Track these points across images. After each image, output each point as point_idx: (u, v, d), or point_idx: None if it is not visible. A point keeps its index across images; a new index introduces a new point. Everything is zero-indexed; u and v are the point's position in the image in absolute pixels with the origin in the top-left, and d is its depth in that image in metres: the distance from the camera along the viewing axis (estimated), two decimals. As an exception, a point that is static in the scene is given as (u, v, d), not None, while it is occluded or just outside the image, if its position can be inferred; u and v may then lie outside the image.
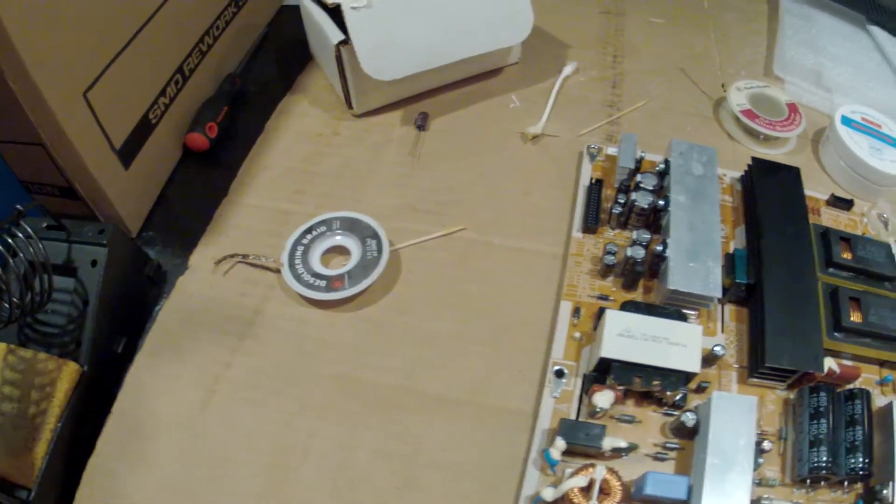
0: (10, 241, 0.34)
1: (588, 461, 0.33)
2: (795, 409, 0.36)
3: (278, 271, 0.41)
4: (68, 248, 0.40)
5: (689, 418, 0.34)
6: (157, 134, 0.47)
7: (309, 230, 0.42)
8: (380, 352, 0.39)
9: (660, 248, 0.40)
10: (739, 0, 0.64)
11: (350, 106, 0.50)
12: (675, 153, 0.44)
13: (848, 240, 0.41)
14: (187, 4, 0.48)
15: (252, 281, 0.42)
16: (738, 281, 0.40)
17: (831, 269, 0.41)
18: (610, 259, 0.41)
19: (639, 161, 0.45)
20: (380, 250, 0.41)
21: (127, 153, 0.45)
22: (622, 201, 0.43)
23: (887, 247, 0.42)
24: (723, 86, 0.55)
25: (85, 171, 0.42)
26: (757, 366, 0.37)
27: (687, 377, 0.35)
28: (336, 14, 0.47)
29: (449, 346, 0.39)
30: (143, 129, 0.46)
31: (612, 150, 0.47)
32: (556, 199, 0.46)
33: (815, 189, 0.46)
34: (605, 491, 0.31)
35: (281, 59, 0.58)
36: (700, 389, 0.36)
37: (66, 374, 0.36)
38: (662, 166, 0.44)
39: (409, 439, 0.36)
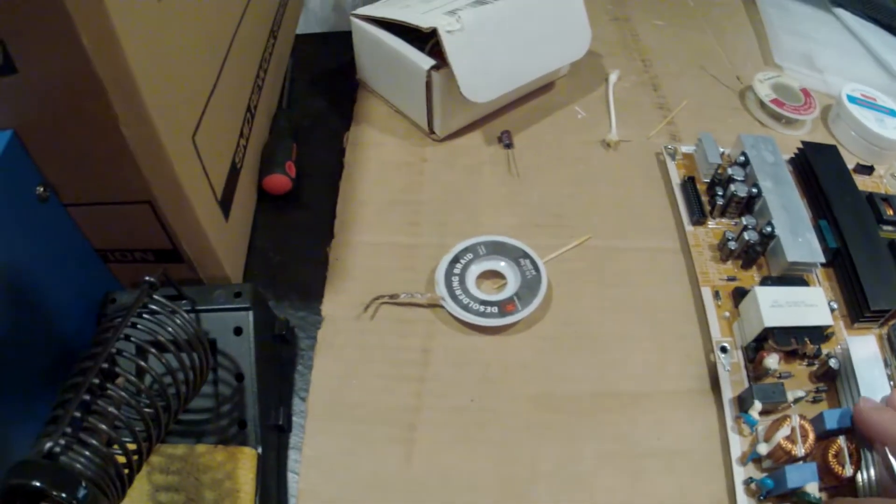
0: (151, 321, 0.32)
1: (778, 415, 0.39)
2: (892, 341, 0.44)
3: (438, 306, 0.42)
4: (196, 318, 0.37)
5: (834, 363, 0.41)
6: (242, 179, 0.47)
7: (455, 259, 0.44)
8: (563, 364, 0.42)
9: (768, 228, 0.46)
10: (716, -4, 0.73)
11: (432, 131, 0.52)
12: (747, 146, 0.51)
13: (886, 199, 0.51)
14: (249, 37, 0.48)
15: (405, 320, 0.43)
16: (830, 247, 0.47)
17: (882, 226, 0.50)
18: (733, 244, 0.46)
19: (721, 155, 0.51)
20: (537, 269, 0.44)
21: (226, 203, 0.44)
22: (721, 193, 0.49)
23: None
24: (738, 78, 0.63)
25: (196, 228, 0.40)
26: (861, 312, 0.45)
27: (823, 330, 0.42)
28: (415, 42, 0.49)
29: (620, 346, 0.43)
30: (233, 175, 0.45)
31: (685, 149, 0.53)
32: (652, 197, 0.51)
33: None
34: (802, 434, 0.37)
35: (320, 89, 0.58)
36: (826, 338, 0.43)
37: (245, 463, 0.34)
38: (742, 158, 0.50)
39: (621, 437, 0.39)
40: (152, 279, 0.33)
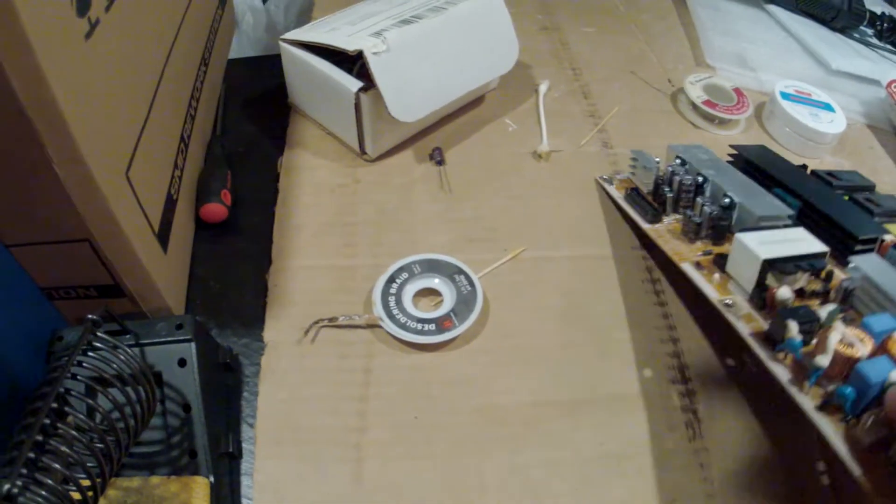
0: (95, 357, 0.35)
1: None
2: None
3: (376, 326, 0.47)
4: (140, 352, 0.41)
5: (849, 283, 0.42)
6: (179, 210, 0.50)
7: (391, 279, 0.49)
8: (503, 376, 0.46)
9: (726, 200, 0.50)
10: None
11: (363, 151, 0.57)
12: (679, 152, 0.55)
13: (830, 173, 0.55)
14: (179, 67, 0.52)
15: (345, 342, 0.47)
16: (793, 206, 0.50)
17: (835, 191, 0.54)
18: (697, 218, 0.50)
19: (657, 162, 0.56)
20: (472, 284, 0.48)
21: (164, 235, 0.48)
22: (668, 188, 0.53)
23: (855, 172, 0.57)
24: (669, 80, 0.69)
25: (135, 263, 0.44)
26: (849, 247, 0.47)
27: (822, 256, 0.44)
28: (343, 63, 0.53)
29: (558, 355, 0.48)
30: (170, 207, 0.49)
31: (620, 176, 0.58)
32: (584, 206, 0.56)
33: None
34: (856, 337, 0.37)
35: (252, 114, 0.62)
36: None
37: (198, 492, 0.37)
38: (678, 160, 0.55)
39: (565, 444, 0.44)
40: (94, 317, 0.37)
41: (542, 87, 0.65)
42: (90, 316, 0.37)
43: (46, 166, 0.35)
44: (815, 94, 0.67)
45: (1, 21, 0.29)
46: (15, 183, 0.36)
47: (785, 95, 0.65)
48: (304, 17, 0.77)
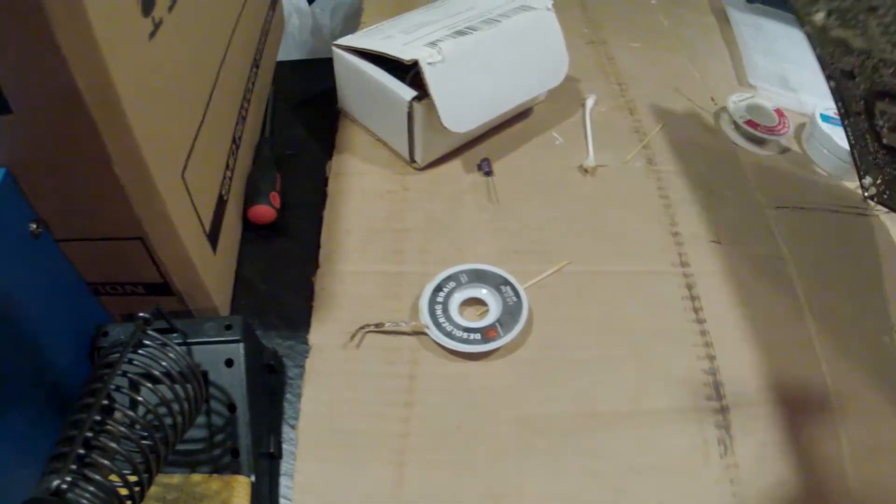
0: (145, 356, 0.35)
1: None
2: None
3: (423, 334, 0.46)
4: (188, 351, 0.40)
5: None
6: (229, 210, 0.50)
7: (438, 288, 0.48)
8: (546, 387, 0.45)
9: None
10: (691, 15, 0.77)
11: (413, 160, 0.56)
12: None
13: None
14: (233, 68, 0.51)
15: (391, 348, 0.46)
16: None
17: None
18: None
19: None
20: (517, 295, 0.47)
21: (214, 235, 0.47)
22: None
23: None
24: (712, 99, 0.67)
25: (186, 262, 0.43)
26: None
27: None
28: (395, 71, 0.52)
29: (600, 368, 0.47)
30: (220, 208, 0.48)
31: None
32: (629, 221, 0.55)
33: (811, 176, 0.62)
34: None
35: (301, 118, 0.62)
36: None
37: (239, 491, 0.37)
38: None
39: (605, 454, 0.43)
40: (146, 315, 0.36)
41: (589, 102, 0.64)
42: (142, 314, 0.36)
43: (105, 165, 0.34)
44: (856, 118, 0.65)
45: (69, 18, 0.28)
46: (72, 180, 0.36)
47: (825, 118, 0.64)
48: (350, 21, 0.77)
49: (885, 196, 0.55)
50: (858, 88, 0.48)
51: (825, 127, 0.63)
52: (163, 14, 0.37)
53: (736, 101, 0.65)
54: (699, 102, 0.67)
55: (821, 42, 0.47)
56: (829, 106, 0.65)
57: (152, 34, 0.36)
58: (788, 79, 0.70)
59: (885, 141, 0.49)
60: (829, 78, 0.49)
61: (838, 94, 0.50)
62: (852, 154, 0.55)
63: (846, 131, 0.54)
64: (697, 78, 0.70)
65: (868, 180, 0.55)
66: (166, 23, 0.37)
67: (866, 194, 0.57)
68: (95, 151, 0.34)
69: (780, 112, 0.65)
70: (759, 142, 0.64)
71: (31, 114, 0.32)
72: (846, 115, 0.51)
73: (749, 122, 0.63)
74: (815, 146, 0.64)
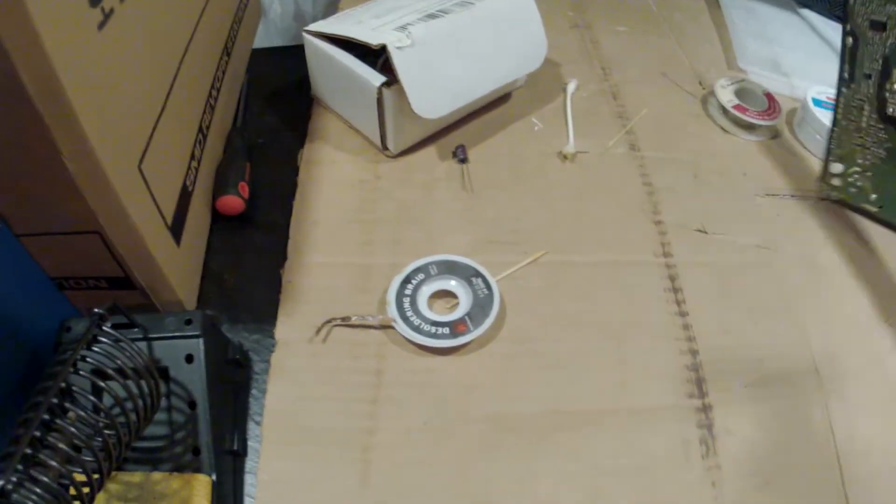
0: (99, 352, 0.34)
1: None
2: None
3: (389, 327, 0.45)
4: (148, 346, 0.39)
5: None
6: (194, 202, 0.49)
7: (407, 280, 0.47)
8: (518, 383, 0.45)
9: None
10: (680, -1, 0.76)
11: (385, 147, 0.55)
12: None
13: None
14: (199, 57, 0.51)
15: (358, 342, 0.46)
16: None
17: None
18: None
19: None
20: (489, 288, 0.46)
21: (177, 228, 0.46)
22: None
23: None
24: (700, 83, 0.66)
25: (146, 256, 0.43)
26: None
27: None
28: (368, 56, 0.51)
29: (576, 363, 0.46)
30: (184, 199, 0.48)
31: None
32: (610, 209, 0.54)
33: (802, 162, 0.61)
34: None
35: (275, 105, 0.61)
36: None
37: (199, 490, 0.37)
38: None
39: (578, 456, 0.42)
40: (101, 311, 0.36)
41: (571, 87, 0.63)
42: (96, 310, 0.36)
43: (55, 159, 0.34)
44: (848, 101, 0.64)
45: (8, 10, 0.28)
46: (24, 174, 0.35)
47: (817, 102, 0.63)
48: (332, 7, 0.76)
49: (853, 190, 0.54)
50: (885, 43, 0.47)
51: (817, 111, 0.62)
52: (113, 4, 0.36)
53: (724, 86, 0.64)
54: (686, 87, 0.66)
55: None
56: (821, 90, 0.64)
57: (101, 24, 0.35)
58: (780, 62, 0.69)
59: (890, 110, 0.48)
60: (848, 34, 0.48)
61: (852, 54, 0.49)
62: (830, 135, 0.54)
63: (836, 103, 0.53)
64: (685, 62, 0.69)
65: (838, 167, 0.54)
66: (118, 13, 0.37)
67: (832, 182, 0.55)
68: (44, 145, 0.33)
69: (770, 96, 0.64)
70: (749, 127, 0.63)
71: (-24, 113, 0.32)
72: (849, 80, 0.50)
73: (738, 107, 0.62)
74: (807, 131, 0.63)
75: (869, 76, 0.49)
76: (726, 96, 0.63)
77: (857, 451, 0.42)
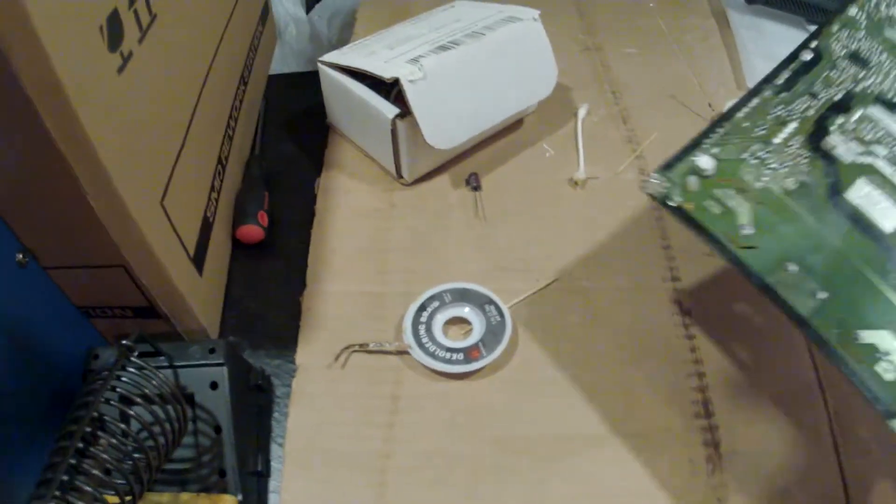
0: (128, 382, 0.37)
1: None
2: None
3: (405, 353, 0.47)
4: (174, 374, 0.42)
5: None
6: (215, 232, 0.52)
7: (422, 307, 0.49)
8: (528, 407, 0.47)
9: None
10: (690, 18, 0.78)
11: (400, 175, 0.57)
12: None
13: None
14: (217, 90, 0.53)
15: (375, 368, 0.48)
16: None
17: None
18: None
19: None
20: (501, 315, 0.49)
21: (199, 258, 0.49)
22: None
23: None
24: (710, 105, 0.68)
25: (169, 286, 0.45)
26: None
27: None
28: (382, 86, 0.54)
29: (585, 388, 0.48)
30: (206, 230, 0.50)
31: None
32: (619, 237, 0.56)
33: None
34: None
35: (292, 133, 0.64)
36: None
37: (226, 510, 0.39)
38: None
39: (586, 479, 0.44)
40: (128, 343, 0.38)
41: (581, 112, 0.65)
42: (124, 342, 0.38)
43: (80, 198, 0.37)
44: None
45: (31, 59, 0.30)
46: (51, 211, 0.38)
47: (827, 123, 0.64)
48: (347, 30, 0.78)
49: (714, 206, 0.39)
50: (857, 80, 0.41)
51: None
52: (132, 46, 0.39)
53: (732, 108, 0.66)
54: (696, 109, 0.67)
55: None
56: (829, 110, 0.65)
57: (121, 68, 0.37)
58: (789, 82, 0.71)
59: (829, 146, 0.40)
60: (811, 49, 0.44)
61: (804, 67, 0.44)
62: (712, 125, 0.42)
63: (744, 100, 0.43)
64: (695, 84, 0.70)
65: (707, 162, 0.40)
66: (136, 55, 0.39)
67: (677, 178, 0.40)
68: (69, 185, 0.36)
69: (778, 118, 0.66)
70: (757, 149, 0.64)
71: (4, 152, 0.34)
72: (783, 88, 0.43)
73: (745, 130, 0.64)
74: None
75: (815, 96, 0.43)
76: (735, 119, 0.64)
77: (863, 472, 0.44)
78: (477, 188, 0.58)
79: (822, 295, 0.33)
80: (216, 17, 0.55)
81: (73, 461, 0.33)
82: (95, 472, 0.33)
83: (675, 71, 0.71)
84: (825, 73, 0.43)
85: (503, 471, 0.44)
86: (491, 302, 0.50)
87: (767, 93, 0.43)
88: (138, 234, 0.40)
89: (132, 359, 0.38)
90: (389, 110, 0.53)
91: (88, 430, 0.34)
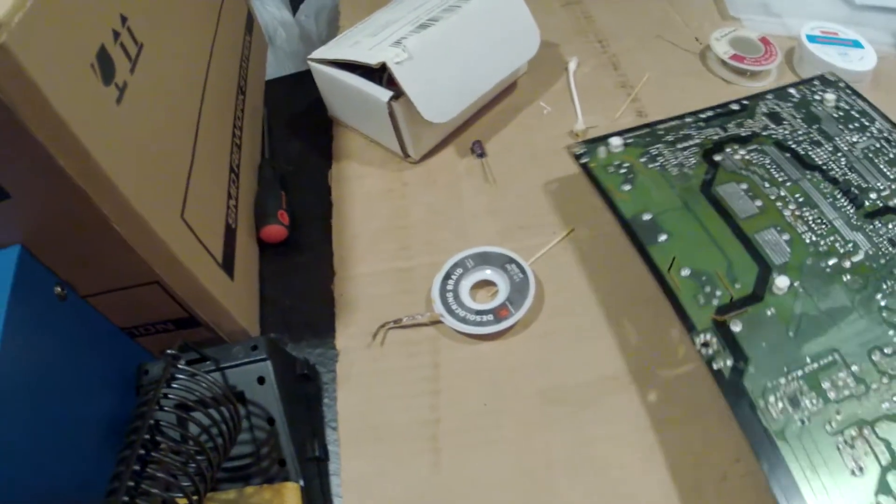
0: (180, 388, 0.37)
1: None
2: None
3: (438, 322, 0.48)
4: (222, 375, 0.43)
5: None
6: (240, 237, 0.52)
7: (447, 276, 0.49)
8: (562, 356, 0.47)
9: None
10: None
11: (407, 155, 0.57)
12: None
13: None
14: (216, 103, 0.53)
15: (412, 341, 0.48)
16: None
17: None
18: None
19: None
20: (523, 272, 0.49)
21: (228, 264, 0.49)
22: None
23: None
24: (696, 39, 0.67)
25: (205, 295, 0.46)
26: None
27: None
28: (374, 72, 0.54)
29: (615, 329, 0.48)
30: (230, 236, 0.51)
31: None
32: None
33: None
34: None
35: (297, 131, 0.64)
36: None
37: (290, 497, 0.39)
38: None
39: (628, 416, 0.44)
40: (173, 352, 0.39)
41: (572, 65, 0.64)
42: (169, 351, 0.39)
43: (105, 224, 0.37)
44: (842, 33, 0.64)
45: (33, 106, 0.31)
46: (80, 242, 0.39)
47: (811, 38, 0.63)
48: (334, 23, 0.78)
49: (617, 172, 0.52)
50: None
51: (812, 47, 0.62)
52: (125, 77, 0.39)
53: (719, 38, 0.65)
54: (683, 45, 0.67)
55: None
56: (814, 25, 0.64)
57: (119, 99, 0.38)
58: (770, 4, 0.70)
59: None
60: None
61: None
62: (638, 128, 0.55)
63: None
64: (679, 20, 0.70)
65: (616, 140, 0.54)
66: (131, 84, 0.39)
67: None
68: (92, 215, 0.36)
69: (765, 40, 0.65)
70: (749, 75, 0.64)
71: (27, 195, 0.35)
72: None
73: (734, 57, 0.63)
74: (807, 69, 0.63)
75: (725, 129, 0.52)
76: (722, 48, 0.64)
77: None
78: (482, 155, 0.58)
79: (663, 237, 0.45)
80: (201, 36, 0.55)
81: (137, 467, 0.34)
82: (161, 475, 0.34)
83: (657, 11, 0.71)
84: (742, 119, 0.53)
85: (547, 420, 0.44)
86: (512, 261, 0.50)
87: (689, 119, 0.54)
88: (165, 249, 0.41)
89: (179, 366, 0.38)
90: (383, 94, 0.53)
91: (147, 437, 0.35)
